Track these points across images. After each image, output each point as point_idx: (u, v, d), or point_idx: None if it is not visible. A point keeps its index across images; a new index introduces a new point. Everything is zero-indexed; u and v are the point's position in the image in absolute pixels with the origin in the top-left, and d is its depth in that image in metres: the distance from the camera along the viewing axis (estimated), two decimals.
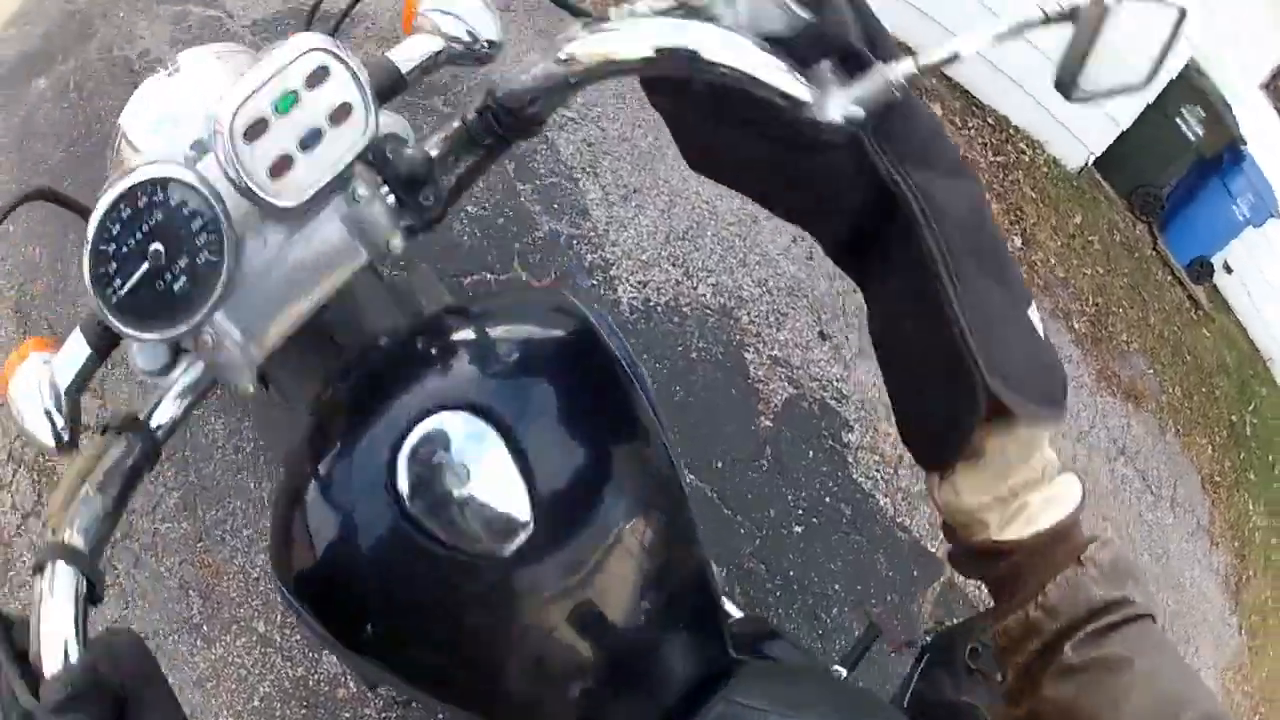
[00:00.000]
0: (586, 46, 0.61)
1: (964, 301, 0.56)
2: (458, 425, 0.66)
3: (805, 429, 2.42)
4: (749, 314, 2.54)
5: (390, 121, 0.71)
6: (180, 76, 0.76)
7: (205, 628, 1.93)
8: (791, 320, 2.57)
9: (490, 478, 0.66)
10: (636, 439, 0.75)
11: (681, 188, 2.66)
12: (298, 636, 1.92)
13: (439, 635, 0.70)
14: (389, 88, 0.71)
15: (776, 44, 0.54)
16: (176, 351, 0.70)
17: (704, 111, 0.61)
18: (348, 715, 1.90)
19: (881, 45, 0.57)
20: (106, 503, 0.60)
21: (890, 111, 0.55)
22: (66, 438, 0.67)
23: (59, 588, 0.55)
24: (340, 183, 0.64)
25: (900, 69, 0.53)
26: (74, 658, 0.52)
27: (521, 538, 0.65)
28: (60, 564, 0.55)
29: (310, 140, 0.61)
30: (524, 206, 2.53)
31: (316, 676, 1.90)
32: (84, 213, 0.64)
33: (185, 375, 0.69)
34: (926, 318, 0.58)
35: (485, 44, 0.74)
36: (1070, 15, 0.51)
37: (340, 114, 0.62)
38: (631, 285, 2.49)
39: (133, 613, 1.92)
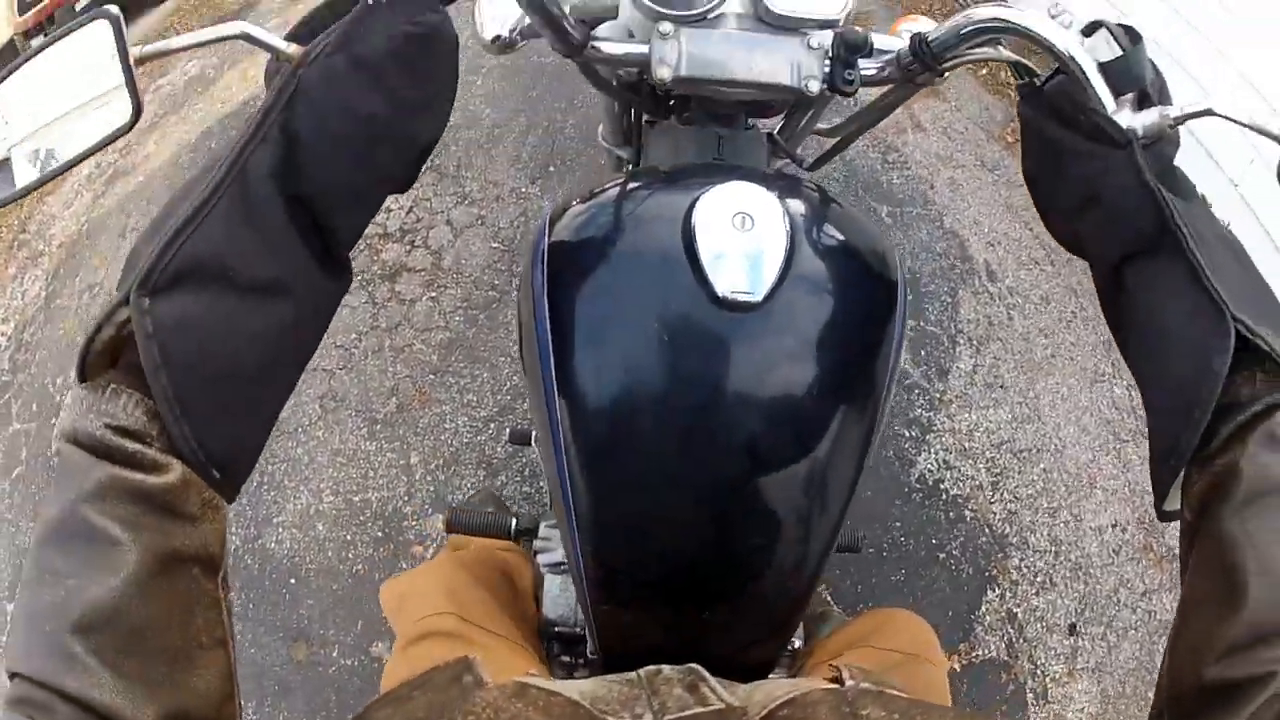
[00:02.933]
0: (989, 12, 0.81)
1: (1221, 289, 0.63)
2: (760, 194, 0.81)
3: (984, 695, 2.32)
4: (1021, 560, 2.46)
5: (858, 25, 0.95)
6: None
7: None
8: (1057, 593, 2.44)
9: (763, 239, 0.79)
10: (870, 350, 0.86)
11: (1043, 410, 2.65)
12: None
13: (650, 358, 0.81)
14: (865, 38, 0.93)
15: (1102, 66, 0.73)
16: (631, 37, 0.98)
17: (1048, 113, 0.76)
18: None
19: (1165, 94, 0.75)
20: None
21: (1161, 146, 0.71)
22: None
23: None
24: (810, 27, 0.92)
25: (1171, 111, 0.70)
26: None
27: (756, 299, 0.78)
28: None
29: None
30: None
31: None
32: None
33: (628, 45, 0.94)
34: (1183, 311, 0.65)
35: (929, 38, 0.89)
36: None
37: None
38: (937, 459, 2.54)
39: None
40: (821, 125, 1.32)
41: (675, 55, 0.90)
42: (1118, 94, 0.72)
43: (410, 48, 0.65)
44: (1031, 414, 2.63)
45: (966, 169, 3.36)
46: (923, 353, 2.71)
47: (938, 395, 2.63)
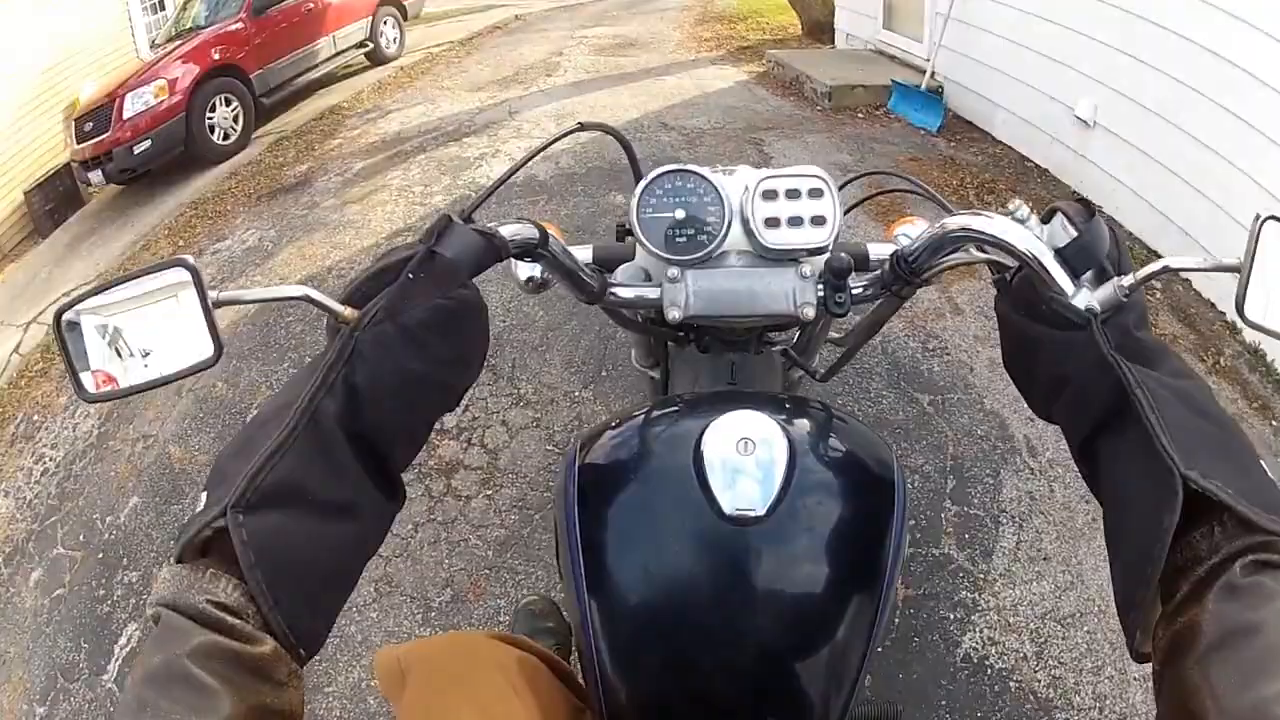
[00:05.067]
0: (957, 221, 0.93)
1: (1175, 448, 0.68)
2: (761, 420, 0.95)
3: None
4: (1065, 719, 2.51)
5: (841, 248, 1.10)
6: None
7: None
8: None
9: (767, 460, 0.92)
10: (867, 556, 0.96)
11: (1086, 574, 2.72)
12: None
13: (667, 566, 0.95)
14: (862, 253, 1.17)
15: (1059, 253, 0.82)
16: (647, 279, 1.15)
17: (1015, 306, 0.86)
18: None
19: (1123, 262, 0.83)
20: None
21: (1120, 315, 0.79)
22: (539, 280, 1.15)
23: None
24: (802, 255, 1.07)
25: (1126, 280, 0.78)
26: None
27: (759, 514, 0.89)
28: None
29: (795, 222, 1.06)
30: (936, 520, 2.90)
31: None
32: (632, 157, 1.32)
33: (641, 289, 1.13)
34: (1150, 489, 0.70)
35: (906, 254, 1.03)
36: (1236, 268, 0.77)
37: (818, 220, 1.06)
38: (981, 637, 2.61)
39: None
40: (833, 334, 1.45)
41: (684, 297, 1.07)
42: (1076, 275, 0.81)
43: (446, 317, 0.80)
44: (1074, 580, 2.72)
45: None
46: (966, 536, 2.86)
47: (981, 576, 2.73)
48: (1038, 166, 5.49)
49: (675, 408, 1.12)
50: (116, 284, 0.78)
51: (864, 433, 1.08)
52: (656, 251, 1.08)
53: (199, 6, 9.36)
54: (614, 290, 1.12)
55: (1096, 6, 4.72)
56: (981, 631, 2.61)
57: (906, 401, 3.38)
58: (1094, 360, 0.77)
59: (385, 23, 10.84)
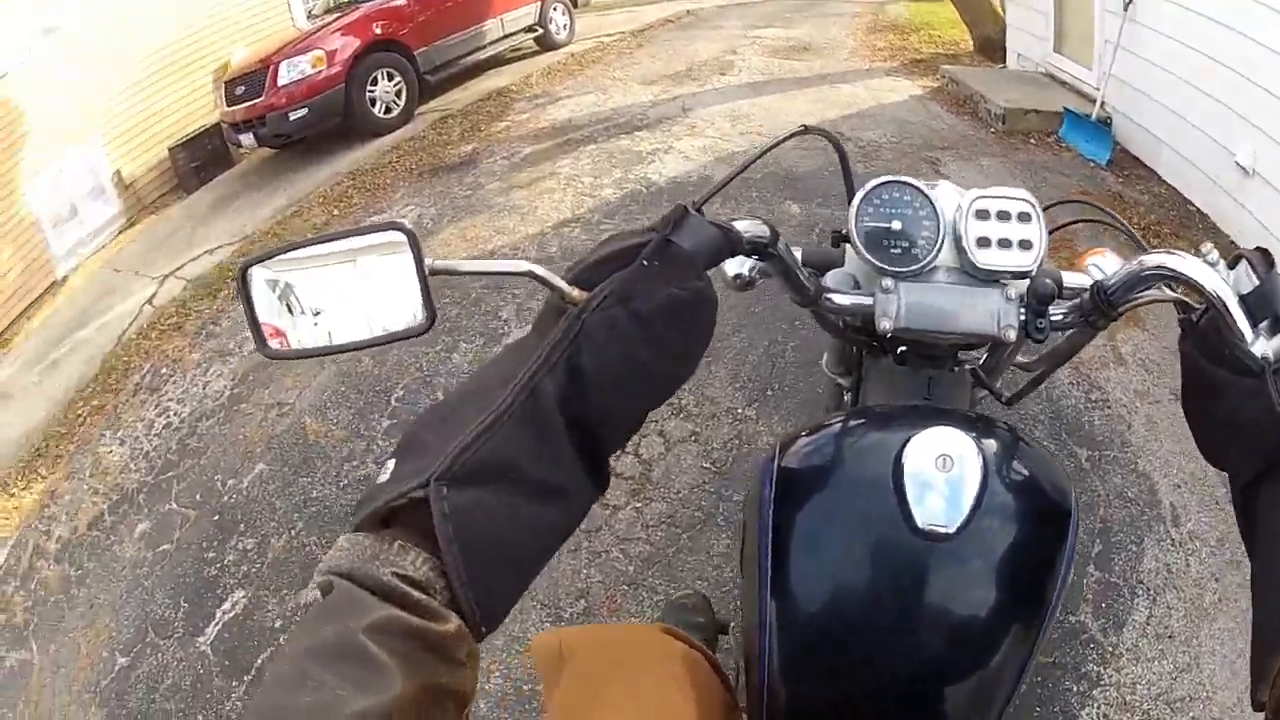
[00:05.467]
0: (1153, 259, 0.95)
1: None
2: (961, 439, 0.97)
3: None
4: None
5: (1049, 274, 1.08)
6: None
7: None
8: None
9: (961, 478, 0.94)
10: (1039, 580, 0.99)
11: (1203, 657, 2.73)
12: None
13: (853, 574, 0.99)
14: (1057, 278, 1.09)
15: (1242, 299, 0.84)
16: (856, 287, 1.17)
17: (1198, 347, 0.87)
18: None
19: None
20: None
21: None
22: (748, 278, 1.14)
23: None
24: (1008, 277, 1.06)
25: None
26: None
27: (949, 531, 0.92)
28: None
29: (1004, 244, 1.05)
30: (1078, 585, 2.89)
31: None
32: (846, 165, 1.29)
33: (856, 297, 1.13)
34: None
35: (1105, 286, 1.03)
36: None
37: (1025, 244, 1.05)
38: (1097, 713, 2.61)
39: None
40: (1020, 359, 1.43)
41: (895, 308, 1.07)
42: (1255, 322, 0.82)
43: (679, 309, 0.79)
44: (1191, 662, 2.69)
45: (1162, 404, 3.60)
46: (1104, 605, 2.83)
47: (1110, 649, 2.72)
48: (1199, 211, 5.33)
49: (875, 419, 1.17)
50: (321, 241, 0.79)
51: (1047, 460, 1.10)
52: (873, 260, 1.08)
53: None
54: (829, 295, 1.13)
55: (1259, 51, 4.58)
56: (1099, 707, 2.62)
57: (1066, 454, 3.36)
58: (1264, 408, 0.77)
59: (555, 8, 10.94)
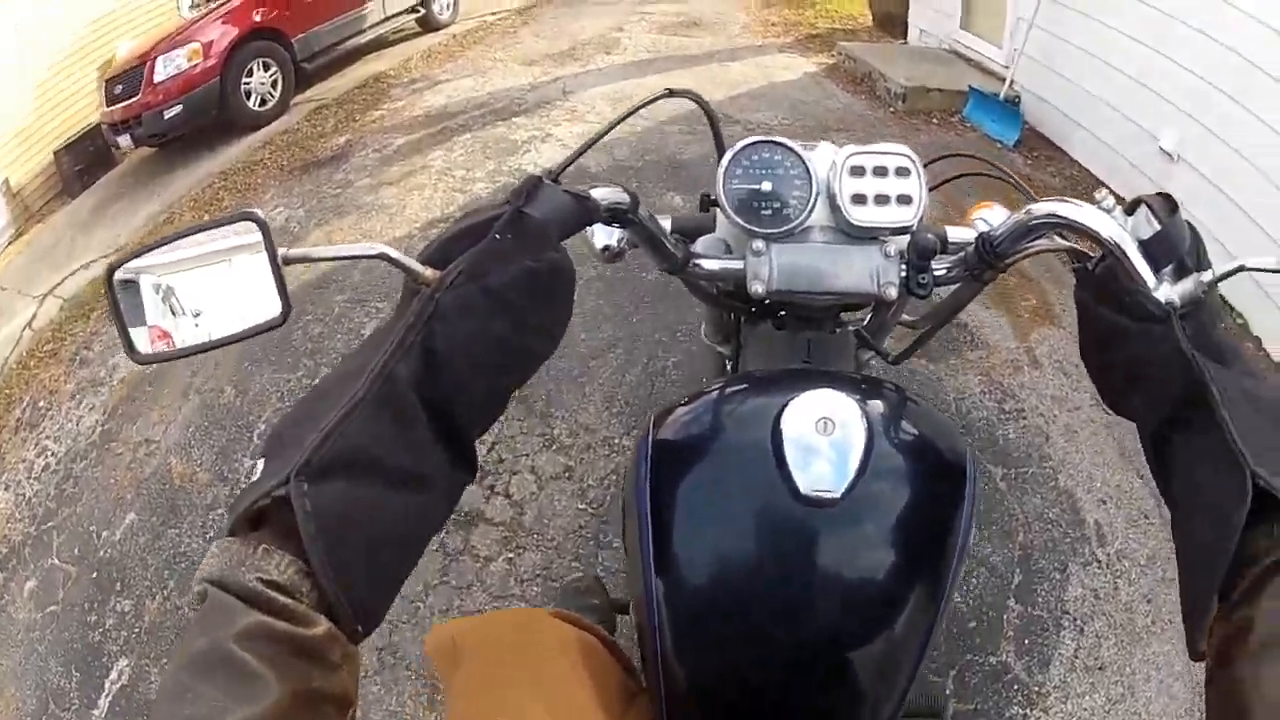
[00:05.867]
0: (1043, 207, 0.96)
1: (1246, 446, 0.69)
2: (842, 400, 0.96)
3: None
4: None
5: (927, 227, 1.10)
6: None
7: None
8: None
9: (844, 441, 0.93)
10: (938, 539, 0.98)
11: (1138, 685, 2.62)
12: None
13: (738, 546, 0.97)
14: (941, 235, 1.14)
15: (1142, 244, 0.84)
16: (728, 252, 1.17)
17: (1097, 296, 0.87)
18: None
19: (1202, 259, 0.84)
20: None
21: (1198, 311, 0.80)
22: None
23: None
24: (886, 234, 1.07)
25: (1205, 277, 0.80)
26: None
27: (835, 496, 0.91)
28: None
29: (881, 200, 1.06)
30: (997, 622, 2.75)
31: None
32: (716, 128, 1.30)
33: (725, 262, 1.15)
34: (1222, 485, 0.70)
35: (991, 238, 1.04)
36: None
37: (904, 199, 1.06)
38: None
39: None
40: (906, 316, 1.45)
41: (767, 271, 1.07)
42: (1158, 268, 0.83)
43: (534, 281, 0.79)
44: (1126, 692, 2.60)
45: (1082, 410, 3.47)
46: (1026, 641, 2.71)
47: (1036, 689, 2.59)
48: (1115, 194, 5.17)
49: (752, 384, 1.16)
50: (177, 238, 0.78)
51: (938, 418, 1.11)
52: (741, 223, 1.08)
53: None
54: (697, 261, 1.13)
55: (1190, 34, 4.47)
56: None
57: (980, 475, 3.14)
58: (1171, 354, 0.77)
59: None
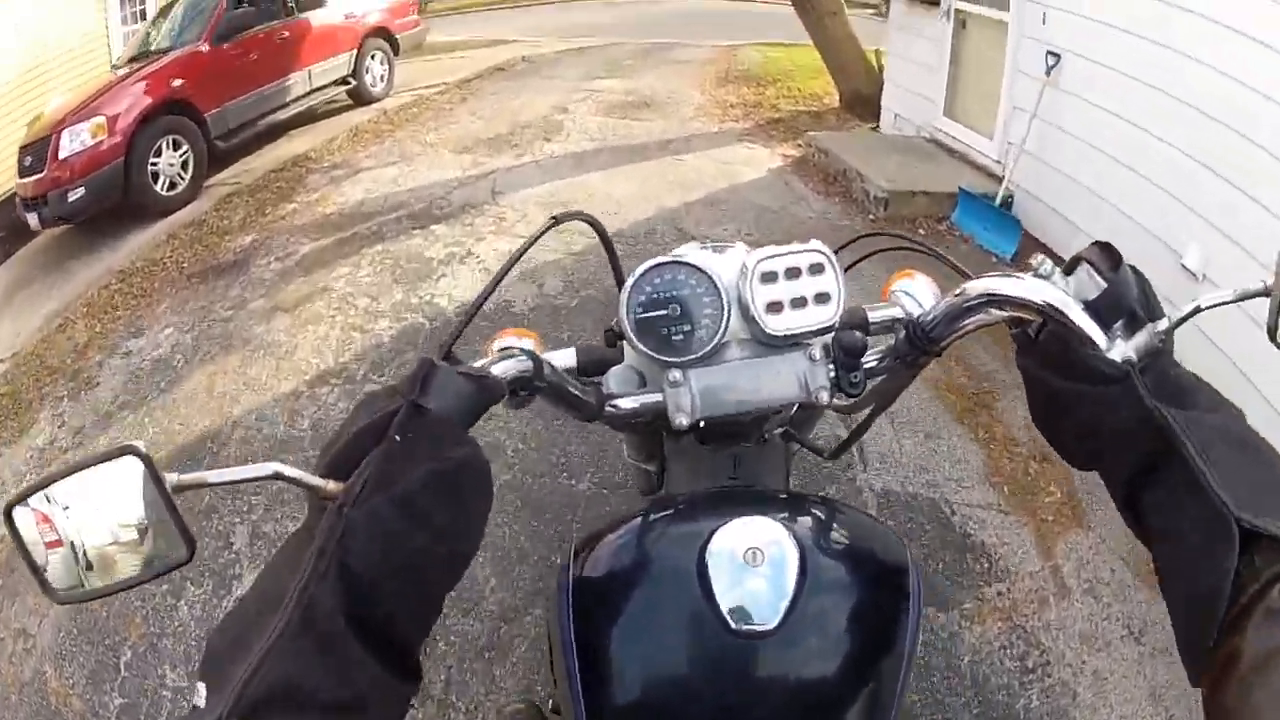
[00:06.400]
0: (978, 287, 0.93)
1: (1226, 492, 0.70)
2: (769, 526, 0.94)
3: None
4: None
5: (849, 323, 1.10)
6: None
7: None
8: None
9: (774, 570, 0.91)
10: (884, 651, 0.95)
11: None
12: None
13: (670, 684, 0.94)
14: (861, 319, 1.13)
15: (1088, 305, 0.83)
16: (642, 382, 1.10)
17: (1043, 362, 0.86)
18: None
19: (1154, 307, 0.83)
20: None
21: (1156, 360, 0.80)
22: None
23: None
24: (809, 337, 1.04)
25: (1160, 325, 0.80)
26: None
27: (770, 628, 0.88)
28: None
29: (798, 303, 1.03)
30: None
31: None
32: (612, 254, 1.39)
33: (643, 397, 1.07)
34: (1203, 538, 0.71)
35: (922, 323, 1.03)
36: (1266, 291, 0.82)
37: (822, 298, 1.03)
38: None
39: None
40: (838, 402, 1.34)
41: (689, 400, 1.03)
42: (1107, 326, 0.82)
43: (444, 483, 0.74)
44: None
45: (1113, 647, 2.94)
46: None
47: None
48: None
49: (676, 510, 1.14)
50: (63, 476, 0.73)
51: (870, 525, 1.15)
52: (652, 354, 1.04)
53: (166, 23, 8.53)
54: (613, 403, 1.07)
55: (1225, 134, 3.78)
56: None
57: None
58: (1134, 411, 0.78)
59: (372, 57, 10.05)
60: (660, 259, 1.05)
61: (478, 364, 0.89)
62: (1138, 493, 0.80)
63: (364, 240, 6.03)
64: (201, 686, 0.64)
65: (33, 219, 7.24)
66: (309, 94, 9.25)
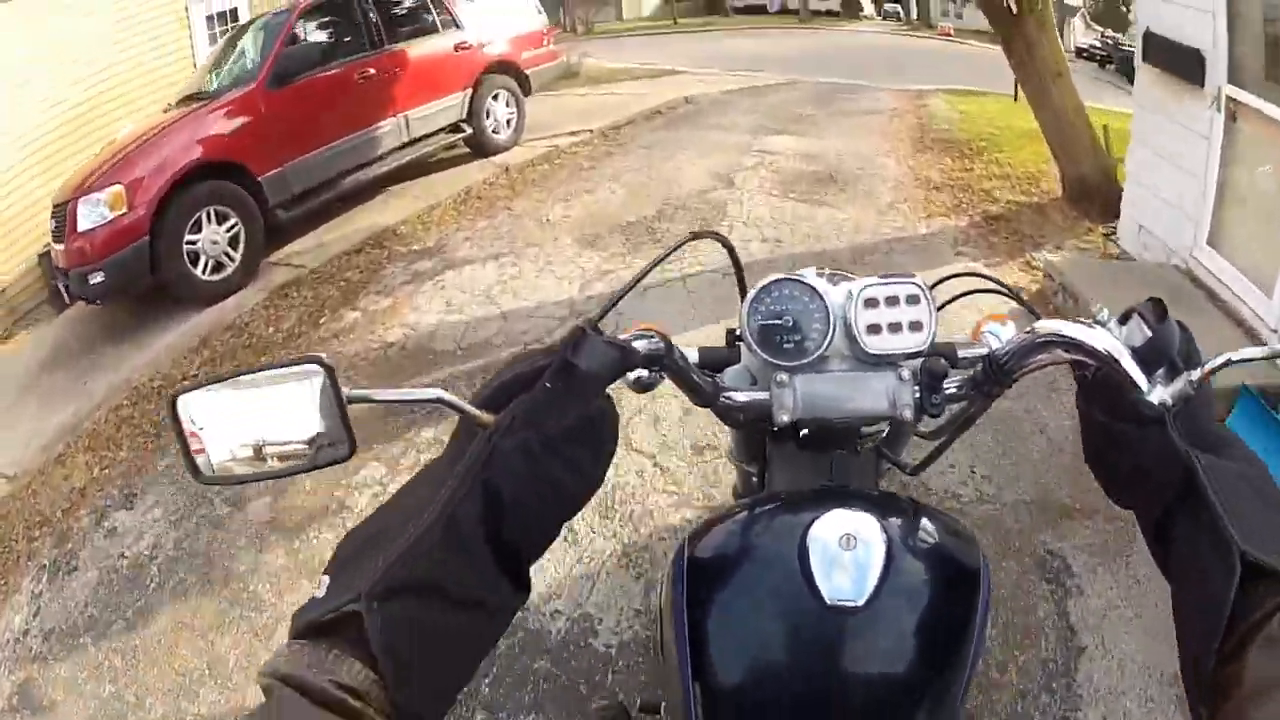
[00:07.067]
0: (1046, 327, 0.98)
1: (1236, 527, 0.75)
2: (862, 518, 1.01)
3: None
4: None
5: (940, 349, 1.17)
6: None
7: None
8: None
9: (864, 555, 0.97)
10: (957, 632, 1.02)
11: None
12: None
13: (771, 651, 1.01)
14: (950, 351, 1.20)
15: (1135, 351, 0.89)
16: (753, 382, 1.18)
17: (1094, 402, 0.92)
18: None
19: (1192, 356, 0.90)
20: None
21: (1190, 406, 0.86)
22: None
23: None
24: (900, 359, 1.11)
25: (1195, 374, 0.86)
26: None
27: (858, 604, 0.95)
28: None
29: (895, 328, 1.10)
30: None
31: None
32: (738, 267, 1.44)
33: (753, 394, 1.14)
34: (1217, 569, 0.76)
35: (997, 356, 1.08)
36: None
37: (915, 326, 1.10)
38: None
39: None
40: (921, 428, 1.42)
41: (791, 400, 1.10)
42: (1150, 372, 0.88)
43: (584, 428, 0.84)
44: None
45: None
46: None
47: None
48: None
49: (780, 503, 1.22)
50: (243, 373, 0.83)
51: (949, 525, 1.17)
52: (765, 356, 1.12)
53: (233, 53, 7.20)
54: (727, 395, 1.15)
55: None
56: None
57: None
58: (1167, 452, 0.83)
59: (494, 98, 8.46)
60: (780, 275, 1.14)
61: (621, 336, 0.96)
62: (1165, 532, 0.86)
63: (418, 422, 4.30)
64: (325, 579, 0.72)
65: (60, 287, 6.25)
66: (405, 146, 7.78)
